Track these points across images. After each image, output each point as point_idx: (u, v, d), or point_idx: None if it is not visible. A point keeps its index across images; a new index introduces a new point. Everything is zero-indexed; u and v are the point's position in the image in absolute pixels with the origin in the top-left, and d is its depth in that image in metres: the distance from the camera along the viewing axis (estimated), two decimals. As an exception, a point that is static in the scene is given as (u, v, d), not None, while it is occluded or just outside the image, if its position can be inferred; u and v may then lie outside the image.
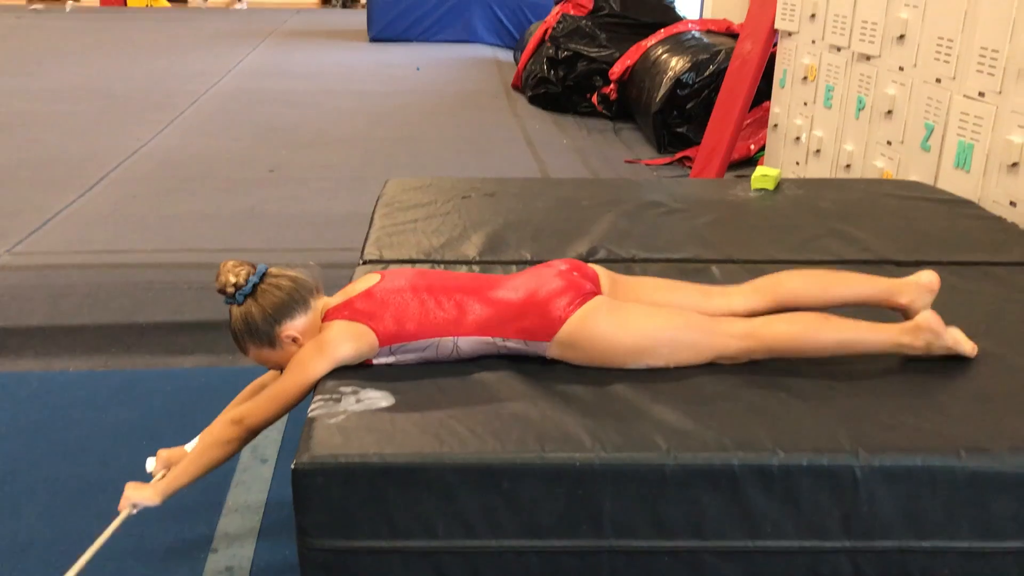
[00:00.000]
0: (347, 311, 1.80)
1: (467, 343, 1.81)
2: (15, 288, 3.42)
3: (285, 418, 2.83)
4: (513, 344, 1.82)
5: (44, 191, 4.64)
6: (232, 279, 1.79)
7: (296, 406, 1.83)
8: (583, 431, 1.60)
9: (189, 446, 2.01)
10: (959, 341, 1.85)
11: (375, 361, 1.82)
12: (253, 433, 1.82)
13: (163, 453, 2.00)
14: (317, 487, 1.54)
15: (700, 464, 1.54)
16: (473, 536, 1.56)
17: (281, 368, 1.85)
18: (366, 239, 2.60)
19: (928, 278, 1.95)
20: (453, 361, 1.82)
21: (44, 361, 3.23)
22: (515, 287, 1.86)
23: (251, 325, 1.80)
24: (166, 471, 1.92)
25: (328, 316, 1.82)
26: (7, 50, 9.53)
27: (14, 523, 2.35)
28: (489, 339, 1.81)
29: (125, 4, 14.55)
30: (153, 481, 1.87)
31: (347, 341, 1.77)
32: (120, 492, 1.76)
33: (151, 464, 1.99)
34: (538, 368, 1.81)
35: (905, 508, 1.57)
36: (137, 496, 1.81)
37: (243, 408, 1.81)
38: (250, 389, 2.12)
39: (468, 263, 2.39)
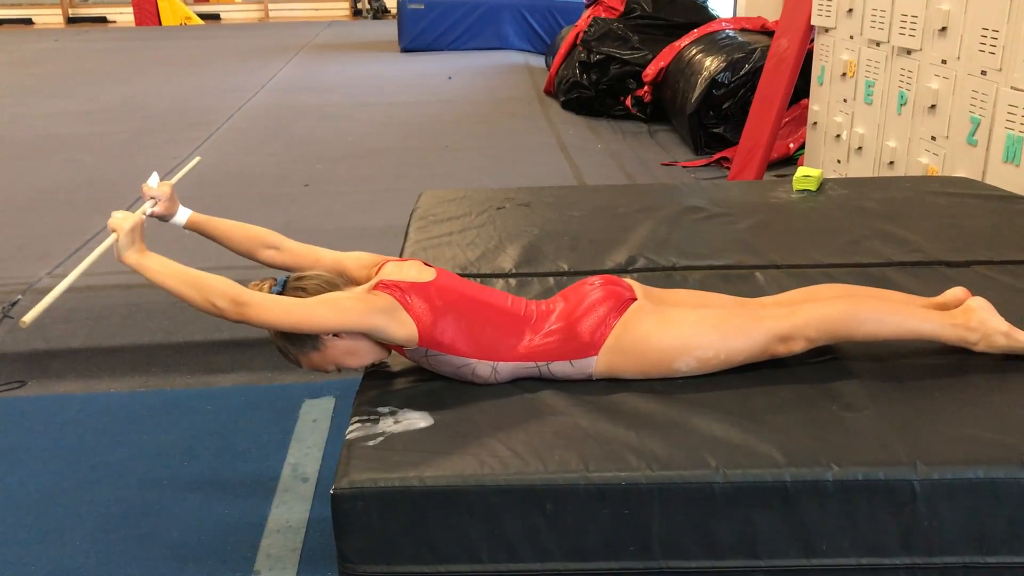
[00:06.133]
0: (400, 295, 1.73)
1: (507, 368, 1.77)
2: (56, 310, 3.42)
3: (325, 435, 2.84)
4: (558, 367, 1.77)
5: (83, 212, 4.68)
6: None
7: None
8: (628, 449, 1.55)
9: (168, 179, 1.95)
10: (1015, 328, 1.80)
11: (407, 355, 1.78)
12: (242, 322, 1.67)
13: (166, 184, 1.91)
14: (357, 512, 1.50)
15: (751, 481, 1.49)
16: (517, 560, 1.52)
17: (339, 366, 1.80)
18: (401, 253, 2.58)
19: (977, 303, 1.86)
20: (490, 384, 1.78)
21: (85, 383, 3.25)
22: (558, 315, 1.82)
23: (288, 335, 1.76)
24: (155, 202, 1.87)
25: (379, 287, 1.76)
26: (45, 73, 9.69)
27: (59, 548, 2.34)
28: (532, 364, 1.77)
29: (159, 23, 14.76)
30: (137, 241, 1.68)
31: (390, 320, 1.70)
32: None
33: (154, 179, 1.91)
34: (580, 386, 1.76)
35: (967, 523, 1.50)
36: (121, 237, 1.67)
37: (253, 297, 1.65)
38: (308, 253, 1.97)
39: (504, 276, 2.35)
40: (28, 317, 1.54)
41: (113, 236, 1.69)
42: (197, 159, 2.23)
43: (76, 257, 4.01)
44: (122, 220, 1.69)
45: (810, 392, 1.72)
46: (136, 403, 3.10)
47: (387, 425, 1.65)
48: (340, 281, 1.82)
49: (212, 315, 1.66)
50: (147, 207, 1.87)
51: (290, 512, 2.47)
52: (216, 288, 1.63)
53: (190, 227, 1.94)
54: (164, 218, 1.92)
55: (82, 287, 3.98)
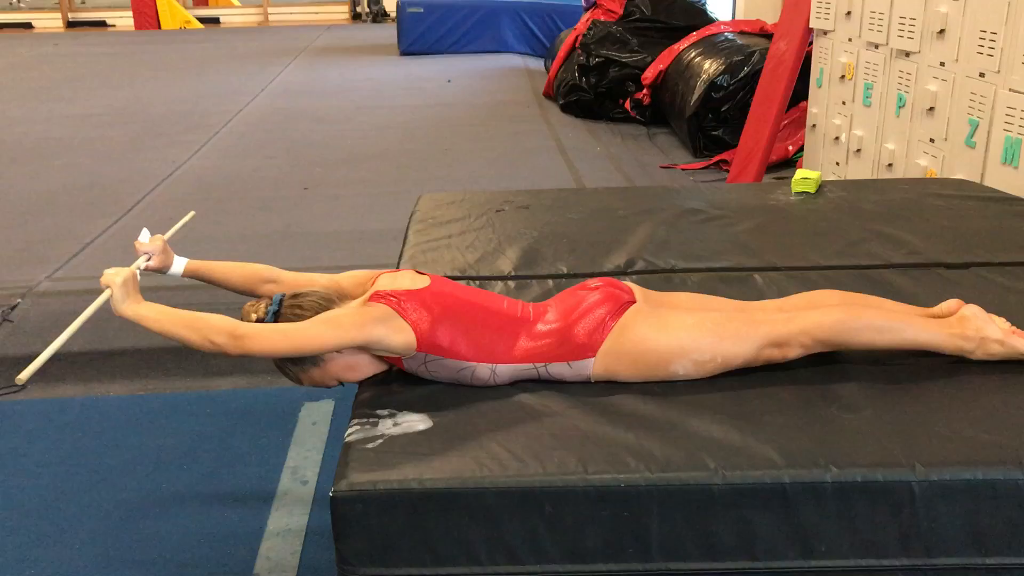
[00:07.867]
0: (395, 303, 1.74)
1: (506, 370, 1.77)
2: (56, 314, 3.44)
3: (325, 438, 2.85)
4: (556, 369, 1.77)
5: (82, 216, 4.69)
6: (253, 316, 1.77)
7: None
8: (627, 451, 1.55)
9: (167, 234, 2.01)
10: (1008, 332, 1.80)
11: (406, 365, 1.77)
12: (244, 356, 1.69)
13: (158, 237, 1.94)
14: (356, 515, 1.50)
15: (750, 483, 1.49)
16: (516, 562, 1.52)
17: (340, 380, 1.81)
18: (400, 256, 2.58)
19: (971, 311, 1.85)
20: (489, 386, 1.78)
21: (86, 386, 3.25)
22: (556, 315, 1.82)
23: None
24: (148, 257, 1.90)
25: (374, 298, 1.76)
26: (45, 77, 9.70)
27: (58, 551, 2.35)
28: (530, 366, 1.77)
29: (159, 27, 14.77)
30: (132, 294, 1.71)
31: (387, 328, 1.70)
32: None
33: (145, 236, 1.94)
34: (578, 387, 1.77)
35: (966, 524, 1.50)
36: (115, 291, 1.69)
37: (250, 328, 1.67)
38: (304, 278, 1.97)
39: (504, 279, 2.36)
40: (24, 374, 1.55)
41: (108, 291, 1.70)
42: (191, 214, 2.27)
43: (75, 261, 4.01)
44: (115, 275, 1.70)
45: (808, 393, 1.72)
46: (135, 407, 3.10)
47: (386, 427, 1.65)
48: (336, 297, 1.82)
49: (214, 353, 1.68)
50: (140, 263, 1.89)
51: (289, 515, 2.47)
52: (213, 325, 1.66)
53: (188, 275, 1.97)
54: (161, 271, 1.95)
55: (80, 291, 3.99)
